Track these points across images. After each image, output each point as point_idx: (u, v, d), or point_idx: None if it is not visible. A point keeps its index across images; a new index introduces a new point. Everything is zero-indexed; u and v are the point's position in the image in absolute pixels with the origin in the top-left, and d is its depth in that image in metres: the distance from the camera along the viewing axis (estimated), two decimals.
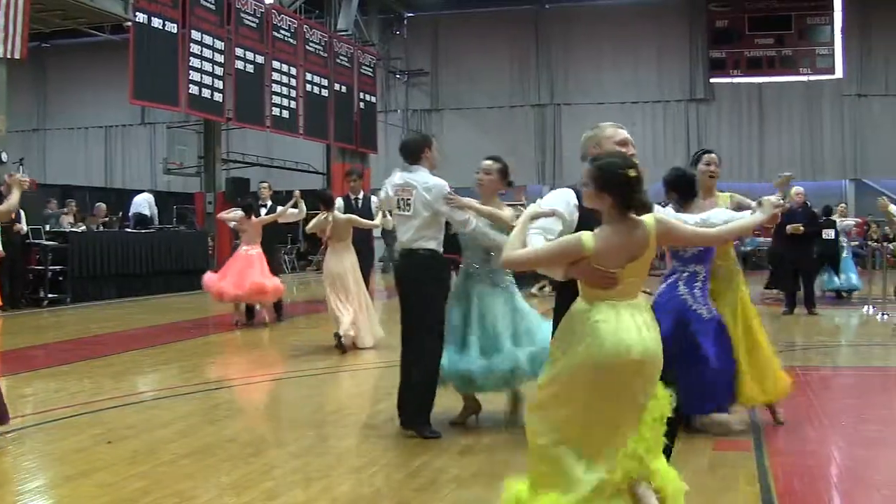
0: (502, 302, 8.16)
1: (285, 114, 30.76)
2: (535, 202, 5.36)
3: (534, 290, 20.97)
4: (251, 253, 16.13)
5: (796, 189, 17.14)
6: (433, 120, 40.89)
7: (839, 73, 38.03)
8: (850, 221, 21.55)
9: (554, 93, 39.60)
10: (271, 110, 29.89)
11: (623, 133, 5.54)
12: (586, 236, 4.65)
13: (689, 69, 38.83)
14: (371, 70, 37.33)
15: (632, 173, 4.66)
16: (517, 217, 6.19)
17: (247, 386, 11.38)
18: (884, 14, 37.21)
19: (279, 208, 16.44)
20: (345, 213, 13.83)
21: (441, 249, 8.22)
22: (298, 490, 6.45)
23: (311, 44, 32.37)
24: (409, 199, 8.15)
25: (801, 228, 17.02)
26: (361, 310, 13.46)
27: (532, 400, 4.93)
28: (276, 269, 17.04)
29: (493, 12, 39.76)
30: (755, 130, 38.06)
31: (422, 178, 8.19)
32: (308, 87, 32.07)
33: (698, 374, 7.68)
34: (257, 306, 16.96)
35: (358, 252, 13.94)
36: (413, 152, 8.39)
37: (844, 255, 20.82)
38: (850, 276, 20.97)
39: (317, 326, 15.93)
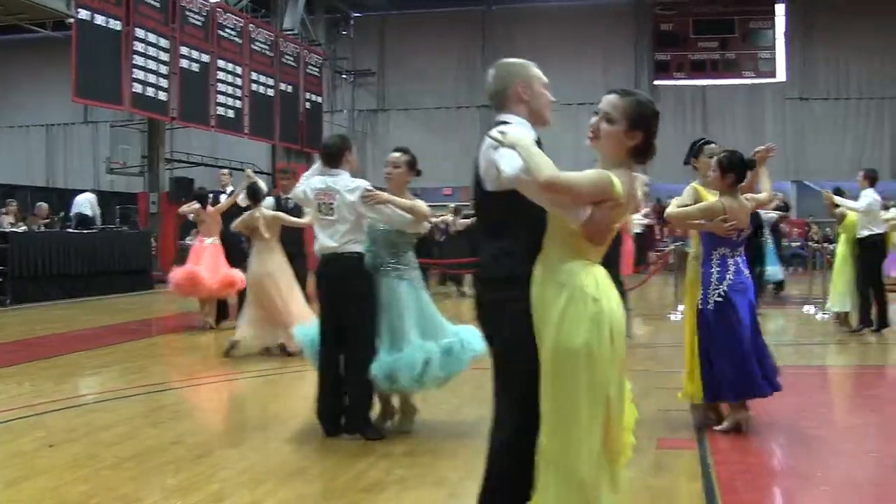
0: (409, 296, 8.05)
1: (230, 113, 30.64)
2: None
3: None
4: (209, 244, 15.69)
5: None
6: (379, 120, 40.89)
7: (781, 76, 38.48)
8: (773, 214, 21.69)
9: None
10: (216, 110, 29.76)
11: (544, 75, 5.17)
12: (614, 177, 4.34)
13: (633, 71, 39.08)
14: (317, 70, 37.25)
15: (658, 117, 4.58)
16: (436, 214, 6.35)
17: (192, 388, 11.30)
18: (826, 19, 37.65)
19: (241, 195, 14.80)
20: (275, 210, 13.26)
21: (363, 251, 8.14)
22: (245, 492, 6.43)
23: (256, 43, 32.27)
24: (331, 204, 8.14)
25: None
26: (289, 315, 12.50)
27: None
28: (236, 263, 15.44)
29: (439, 13, 39.83)
30: (698, 132, 38.22)
31: (343, 181, 8.21)
32: (253, 86, 31.97)
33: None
34: (229, 301, 16.31)
35: (291, 255, 13.24)
36: (334, 155, 8.39)
37: (769, 247, 20.88)
38: (774, 268, 21.05)
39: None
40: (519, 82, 5.00)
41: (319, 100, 37.32)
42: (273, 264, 12.79)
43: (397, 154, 8.38)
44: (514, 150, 4.29)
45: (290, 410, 9.43)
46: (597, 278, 4.35)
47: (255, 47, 32.17)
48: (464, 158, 38.71)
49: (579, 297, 4.27)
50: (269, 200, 13.59)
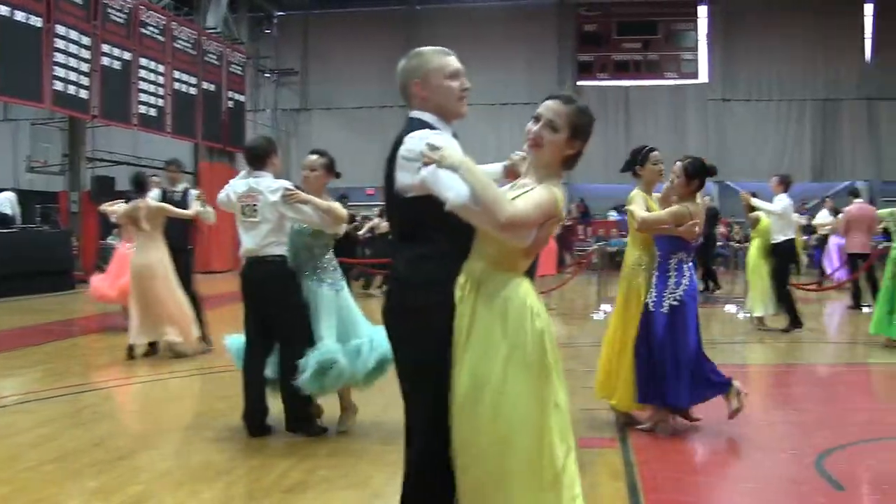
0: (327, 297, 8.12)
1: (153, 112, 30.33)
2: None
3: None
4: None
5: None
6: (302, 120, 40.73)
7: (704, 77, 38.88)
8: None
9: None
10: (138, 108, 29.42)
11: (454, 62, 4.71)
12: (558, 192, 4.24)
13: (557, 72, 39.26)
14: (240, 69, 36.99)
15: None
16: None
17: (114, 389, 11.18)
18: (747, 21, 38.14)
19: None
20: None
21: (286, 254, 8.23)
22: (167, 494, 6.39)
23: (179, 41, 31.97)
24: (255, 206, 8.22)
25: None
26: (168, 309, 12.50)
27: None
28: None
29: (363, 12, 39.78)
30: (621, 133, 38.63)
31: (266, 182, 8.30)
32: (176, 85, 31.67)
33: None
34: None
35: (175, 249, 12.94)
36: (259, 157, 8.47)
37: None
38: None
39: None
40: (414, 81, 4.66)
41: (242, 99, 37.04)
42: (152, 257, 12.59)
43: (314, 157, 8.49)
44: (455, 173, 4.02)
45: (214, 411, 9.37)
46: (532, 290, 4.30)
47: (178, 45, 31.87)
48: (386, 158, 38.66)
49: (525, 313, 4.21)
50: (155, 192, 13.48)
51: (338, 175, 8.61)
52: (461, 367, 4.28)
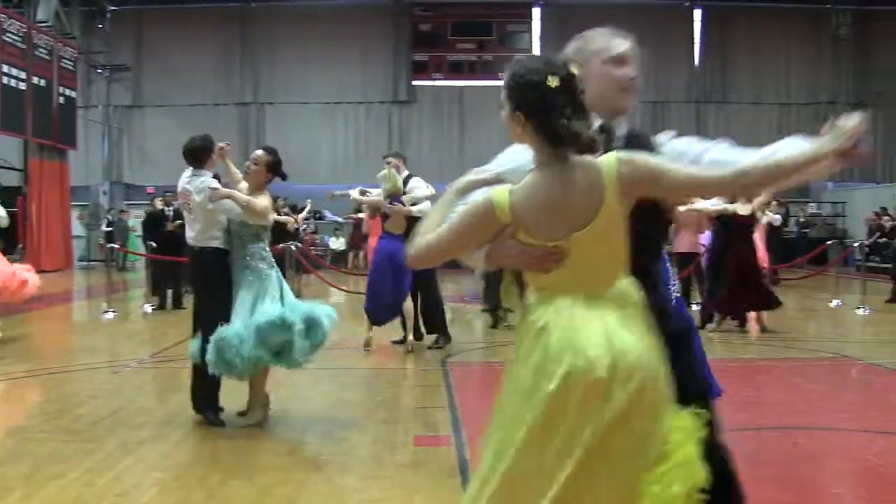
0: (248, 285, 8.43)
1: None
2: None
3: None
4: None
5: None
6: (135, 117, 40.00)
7: None
8: None
9: (258, 92, 39.31)
10: None
11: (619, 45, 4.14)
12: (499, 193, 3.36)
13: (392, 71, 39.38)
14: (72, 64, 36.20)
15: (552, 82, 3.30)
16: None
17: None
18: (580, 23, 38.38)
19: None
20: None
21: (225, 247, 8.61)
22: None
23: (8, 34, 31.15)
24: (189, 204, 8.69)
25: None
26: None
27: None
28: None
29: (198, 8, 39.26)
30: (456, 133, 38.96)
31: (196, 182, 8.67)
32: (4, 79, 30.83)
33: None
34: None
35: None
36: (195, 156, 8.88)
37: None
38: None
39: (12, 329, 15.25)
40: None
41: (74, 94, 36.26)
42: None
43: (261, 152, 8.83)
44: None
45: (46, 413, 9.14)
46: (573, 312, 3.26)
47: (7, 39, 31.05)
48: None
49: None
50: None
51: (284, 177, 8.89)
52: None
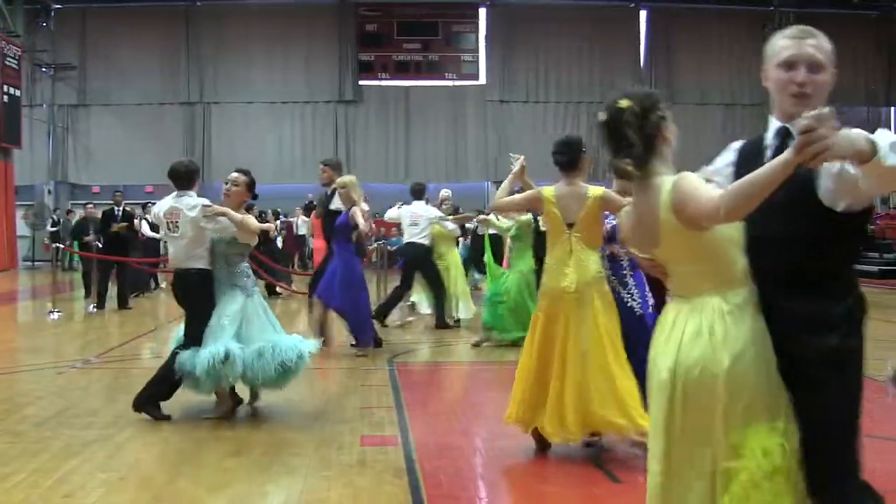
0: (237, 302, 8.86)
1: None
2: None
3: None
4: None
5: (444, 192, 17.77)
6: (80, 116, 39.63)
7: (483, 79, 39.54)
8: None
9: (204, 91, 39.09)
10: None
11: (791, 48, 3.71)
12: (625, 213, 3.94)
13: (338, 71, 39.28)
14: (16, 62, 35.83)
15: (623, 104, 3.68)
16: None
17: None
18: (526, 24, 38.93)
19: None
20: None
21: (209, 267, 8.94)
22: None
23: None
24: (176, 222, 8.92)
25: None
26: None
27: None
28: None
29: (144, 7, 39.00)
30: (402, 132, 38.94)
31: (186, 201, 8.94)
32: None
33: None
34: None
35: None
36: (182, 178, 9.11)
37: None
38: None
39: None
40: (762, 69, 3.86)
41: (18, 93, 35.92)
42: None
43: (237, 174, 9.29)
44: None
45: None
46: (675, 317, 3.66)
47: None
48: (166, 156, 38.00)
49: None
50: None
51: (255, 196, 9.51)
52: None
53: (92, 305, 19.20)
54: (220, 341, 8.56)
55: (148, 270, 23.77)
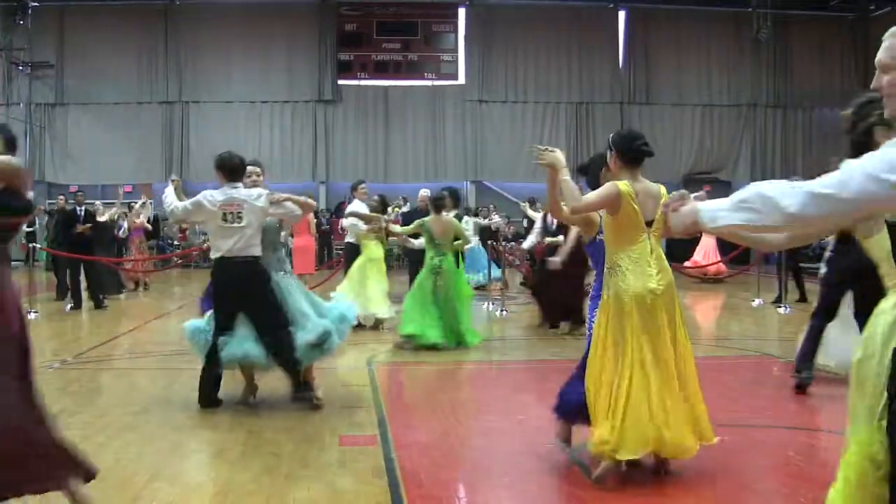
0: (291, 284, 9.62)
1: None
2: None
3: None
4: None
5: (423, 192, 17.77)
6: (58, 115, 39.36)
7: (462, 79, 39.52)
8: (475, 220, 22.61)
9: (182, 90, 38.85)
10: None
11: (881, 52, 3.50)
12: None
13: (317, 70, 39.17)
14: None
15: None
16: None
17: None
18: (505, 25, 38.93)
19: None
20: None
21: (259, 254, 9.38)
22: None
23: None
24: (238, 213, 9.22)
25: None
26: None
27: None
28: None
29: (122, 5, 38.73)
30: (381, 132, 38.85)
31: (244, 192, 9.36)
32: None
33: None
34: None
35: None
36: (237, 172, 9.43)
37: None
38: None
39: None
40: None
41: None
42: None
43: (253, 167, 9.71)
44: None
45: None
46: None
47: None
48: (144, 155, 37.97)
49: None
50: None
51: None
52: None
53: (69, 305, 19.15)
54: (311, 321, 9.26)
55: (124, 270, 23.66)
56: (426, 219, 14.00)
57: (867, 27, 39.10)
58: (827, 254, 10.46)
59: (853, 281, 9.45)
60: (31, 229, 33.67)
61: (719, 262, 26.00)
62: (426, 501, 6.40)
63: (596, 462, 6.74)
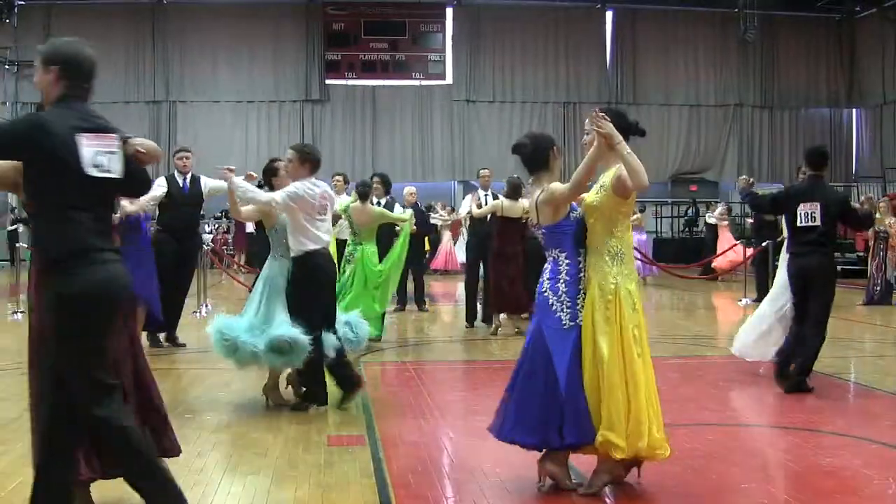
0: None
1: None
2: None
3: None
4: None
5: (408, 189, 17.78)
6: None
7: (449, 79, 39.49)
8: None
9: (170, 90, 38.79)
10: None
11: None
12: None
13: (304, 70, 39.12)
14: None
15: None
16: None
17: None
18: (491, 25, 38.93)
19: None
20: None
21: None
22: None
23: None
24: (327, 205, 9.27)
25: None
26: None
27: None
28: None
29: (109, 4, 38.68)
30: (368, 132, 38.80)
31: (326, 185, 9.50)
32: None
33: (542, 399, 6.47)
34: None
35: None
36: (319, 165, 9.34)
37: None
38: None
39: None
40: None
41: None
42: None
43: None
44: None
45: None
46: None
47: None
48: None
49: None
50: None
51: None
52: None
53: None
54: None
55: None
56: (350, 203, 13.94)
57: (853, 28, 39.26)
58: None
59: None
60: (13, 228, 33.58)
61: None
62: (414, 501, 6.38)
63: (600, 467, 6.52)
